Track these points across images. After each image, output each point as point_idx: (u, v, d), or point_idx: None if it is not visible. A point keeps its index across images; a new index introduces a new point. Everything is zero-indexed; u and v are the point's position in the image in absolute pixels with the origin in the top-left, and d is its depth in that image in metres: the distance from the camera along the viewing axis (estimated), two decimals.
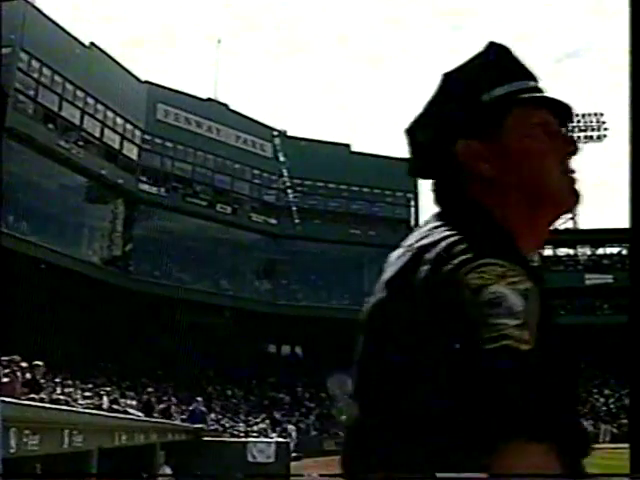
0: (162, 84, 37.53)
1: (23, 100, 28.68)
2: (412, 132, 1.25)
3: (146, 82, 36.42)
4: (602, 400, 42.23)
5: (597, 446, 33.20)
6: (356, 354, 1.14)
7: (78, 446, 7.34)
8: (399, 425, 0.97)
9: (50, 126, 29.86)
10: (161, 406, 21.80)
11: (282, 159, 41.58)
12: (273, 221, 41.22)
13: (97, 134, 32.79)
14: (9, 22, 24.82)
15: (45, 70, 29.42)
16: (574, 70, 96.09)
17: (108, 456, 9.87)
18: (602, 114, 54.52)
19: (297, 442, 29.33)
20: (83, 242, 32.68)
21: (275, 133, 42.18)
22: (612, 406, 41.53)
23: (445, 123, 1.19)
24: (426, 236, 1.09)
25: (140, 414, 18.11)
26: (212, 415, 25.95)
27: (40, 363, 15.52)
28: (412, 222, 44.96)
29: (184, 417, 22.11)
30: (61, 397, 16.17)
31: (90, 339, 28.26)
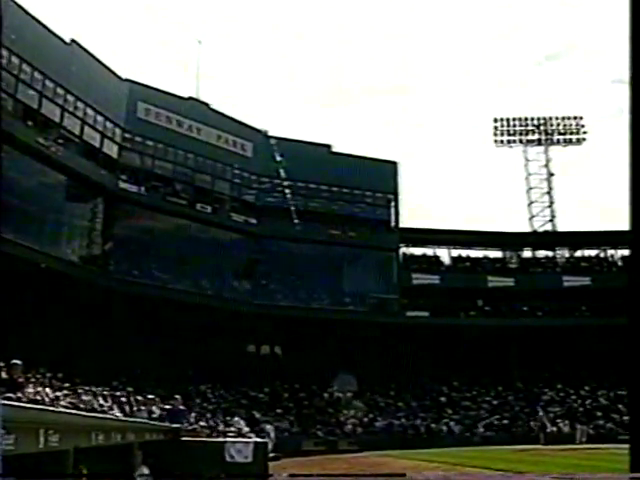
0: (143, 82, 37.42)
1: (2, 97, 28.43)
2: None
3: (127, 80, 36.24)
4: (579, 401, 42.53)
5: (574, 446, 33.47)
6: None
7: (54, 446, 7.33)
8: None
9: (30, 123, 29.63)
10: (139, 405, 21.73)
11: (278, 159, 41.52)
12: (253, 221, 41.20)
13: (77, 132, 32.57)
14: None
15: (25, 67, 29.18)
16: (554, 73, 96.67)
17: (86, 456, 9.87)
18: (582, 117, 54.99)
19: (275, 442, 29.33)
20: (62, 241, 32.47)
21: (271, 135, 42.09)
22: (589, 407, 41.85)
23: None
24: None
25: (120, 414, 18.08)
26: (191, 414, 25.85)
27: (18, 362, 15.43)
28: (392, 223, 45.11)
29: (163, 416, 22.05)
30: (38, 397, 16.08)
31: (69, 338, 28.12)
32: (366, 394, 41.85)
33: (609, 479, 11.39)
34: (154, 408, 21.43)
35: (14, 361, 15.36)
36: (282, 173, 41.76)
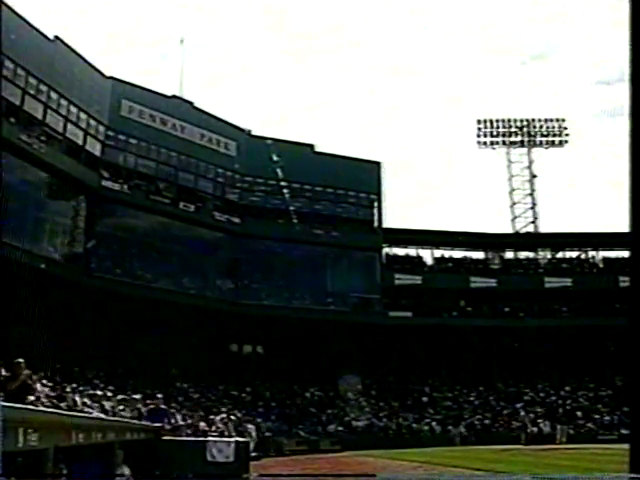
0: (127, 80, 37.28)
1: None
2: None
3: (111, 78, 36.10)
4: (560, 401, 42.82)
5: (554, 446, 33.67)
6: None
7: (34, 445, 7.27)
8: None
9: (12, 120, 29.44)
10: (121, 404, 21.65)
11: (275, 158, 41.40)
12: (236, 220, 41.12)
13: (60, 129, 32.37)
14: None
15: (8, 63, 28.97)
16: (538, 73, 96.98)
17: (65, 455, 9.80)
18: (564, 120, 55.32)
19: (257, 442, 29.31)
20: (44, 238, 32.25)
21: (269, 142, 41.85)
22: (569, 407, 42.12)
23: None
24: None
25: (101, 413, 17.99)
26: (172, 413, 25.78)
27: None
28: (375, 223, 45.17)
29: (144, 415, 21.97)
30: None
31: (49, 337, 27.94)
32: (347, 394, 41.93)
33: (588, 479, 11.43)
34: (135, 407, 21.34)
35: None
36: (280, 173, 41.65)
